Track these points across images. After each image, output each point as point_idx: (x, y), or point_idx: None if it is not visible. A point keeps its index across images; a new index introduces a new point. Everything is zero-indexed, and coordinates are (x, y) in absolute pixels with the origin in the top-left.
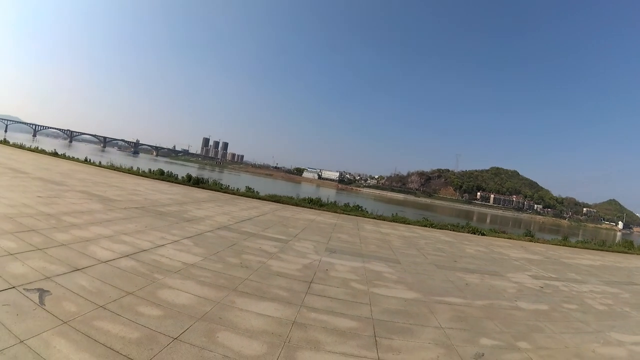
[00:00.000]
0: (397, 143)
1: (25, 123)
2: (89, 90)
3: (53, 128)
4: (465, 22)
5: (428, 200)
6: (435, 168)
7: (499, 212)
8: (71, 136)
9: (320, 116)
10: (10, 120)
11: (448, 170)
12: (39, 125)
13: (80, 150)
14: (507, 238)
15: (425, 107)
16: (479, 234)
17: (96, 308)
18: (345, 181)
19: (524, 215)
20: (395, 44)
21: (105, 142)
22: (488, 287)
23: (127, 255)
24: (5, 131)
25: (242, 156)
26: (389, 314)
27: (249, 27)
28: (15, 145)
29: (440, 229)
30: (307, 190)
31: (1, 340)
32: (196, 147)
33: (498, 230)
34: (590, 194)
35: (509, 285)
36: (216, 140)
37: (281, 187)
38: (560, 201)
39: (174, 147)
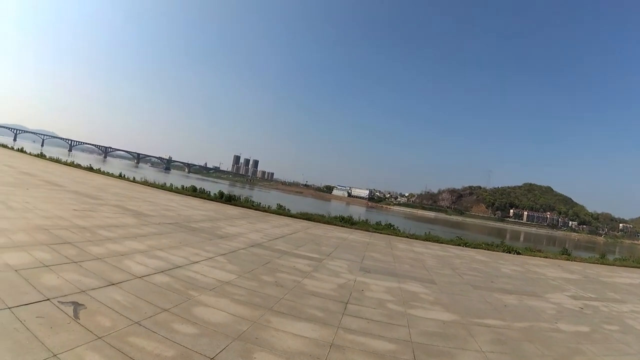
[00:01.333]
0: (427, 161)
1: (61, 138)
2: (125, 107)
3: (88, 144)
4: (502, 27)
5: (459, 218)
6: (466, 185)
7: (533, 230)
8: (105, 152)
9: (350, 134)
10: (47, 135)
11: (479, 187)
12: (74, 141)
13: (114, 165)
14: (543, 257)
15: (456, 120)
16: (514, 253)
17: (131, 324)
18: (375, 199)
19: (558, 233)
20: (432, 56)
21: (138, 158)
22: (527, 308)
23: (161, 271)
24: (42, 145)
25: (272, 174)
26: (427, 337)
27: (288, 45)
28: (51, 159)
29: (474, 247)
30: (337, 208)
31: (34, 353)
32: (227, 165)
33: (533, 248)
34: (626, 208)
35: (547, 306)
36: (247, 157)
37: (311, 205)
38: (596, 217)
39: (205, 164)
